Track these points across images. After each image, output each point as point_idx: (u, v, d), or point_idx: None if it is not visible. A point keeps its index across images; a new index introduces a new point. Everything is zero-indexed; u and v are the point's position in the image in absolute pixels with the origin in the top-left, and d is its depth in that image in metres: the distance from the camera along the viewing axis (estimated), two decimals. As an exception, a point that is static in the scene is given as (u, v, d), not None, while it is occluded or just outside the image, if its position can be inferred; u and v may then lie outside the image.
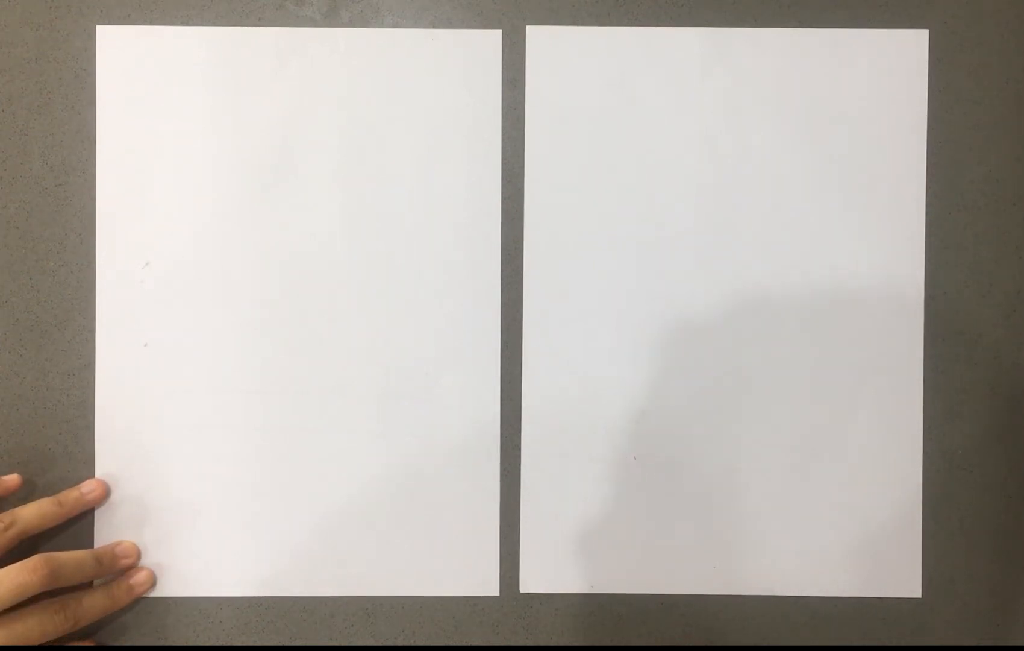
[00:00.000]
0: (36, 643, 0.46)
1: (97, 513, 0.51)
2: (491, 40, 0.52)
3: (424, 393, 0.51)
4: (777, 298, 0.52)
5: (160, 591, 0.51)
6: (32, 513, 0.48)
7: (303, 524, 0.51)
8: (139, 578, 0.50)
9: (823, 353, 0.52)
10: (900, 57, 0.52)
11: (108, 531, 0.51)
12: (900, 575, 0.52)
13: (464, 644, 0.52)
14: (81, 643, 0.50)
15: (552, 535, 0.51)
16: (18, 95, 0.51)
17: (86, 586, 0.49)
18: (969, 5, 0.52)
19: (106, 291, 0.51)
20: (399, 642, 0.51)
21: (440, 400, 0.51)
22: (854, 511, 0.52)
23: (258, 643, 0.51)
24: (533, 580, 0.52)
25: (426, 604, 0.52)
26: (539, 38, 0.52)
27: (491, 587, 0.52)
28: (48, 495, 0.50)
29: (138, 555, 0.51)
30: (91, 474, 0.51)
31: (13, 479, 0.50)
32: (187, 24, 0.51)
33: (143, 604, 0.51)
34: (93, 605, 0.49)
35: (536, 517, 0.51)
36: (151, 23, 0.51)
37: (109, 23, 0.51)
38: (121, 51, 0.51)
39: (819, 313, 0.52)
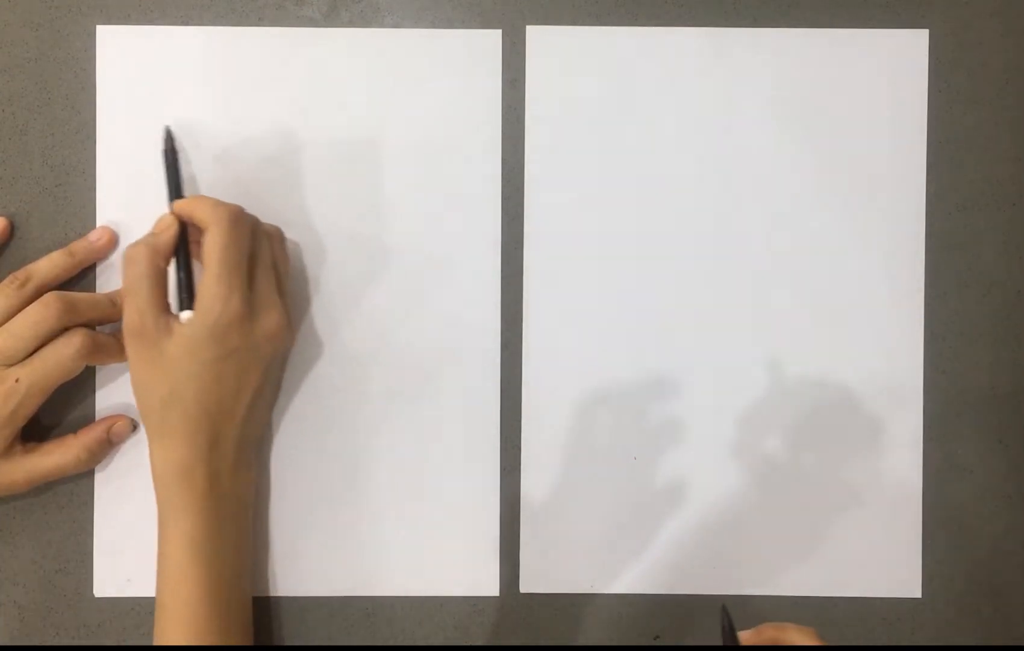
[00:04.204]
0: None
1: (97, 511, 0.51)
2: (491, 40, 0.52)
3: (424, 393, 0.51)
4: (777, 297, 0.52)
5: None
6: (45, 266, 0.49)
7: (302, 524, 0.51)
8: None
9: (823, 352, 0.52)
10: (900, 57, 0.52)
11: (108, 531, 0.51)
12: (900, 575, 0.52)
13: (464, 644, 0.52)
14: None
15: (552, 535, 0.51)
16: (18, 95, 0.51)
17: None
18: (969, 5, 0.52)
19: (107, 290, 0.51)
20: (399, 642, 0.51)
21: (440, 400, 0.51)
22: (854, 511, 0.52)
23: (258, 643, 0.51)
24: (533, 580, 0.52)
25: (426, 604, 0.52)
26: (539, 38, 0.52)
27: (491, 587, 0.52)
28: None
29: None
30: (92, 480, 0.51)
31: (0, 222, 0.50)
32: (187, 24, 0.51)
33: (143, 604, 0.51)
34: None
35: (536, 517, 0.51)
36: (151, 23, 0.51)
37: (109, 23, 0.51)
38: (121, 51, 0.51)
39: (819, 313, 0.52)
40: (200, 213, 0.47)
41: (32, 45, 0.51)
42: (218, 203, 0.47)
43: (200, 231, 0.47)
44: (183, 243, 0.48)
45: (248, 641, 0.48)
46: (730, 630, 0.41)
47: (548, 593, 0.52)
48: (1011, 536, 0.52)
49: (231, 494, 0.47)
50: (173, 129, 0.50)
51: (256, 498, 0.50)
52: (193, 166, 0.51)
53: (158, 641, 0.46)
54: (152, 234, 0.47)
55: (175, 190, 0.49)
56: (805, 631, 0.42)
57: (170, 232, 0.47)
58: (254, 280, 0.47)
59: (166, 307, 0.46)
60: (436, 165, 0.51)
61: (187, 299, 0.47)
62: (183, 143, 0.51)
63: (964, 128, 0.52)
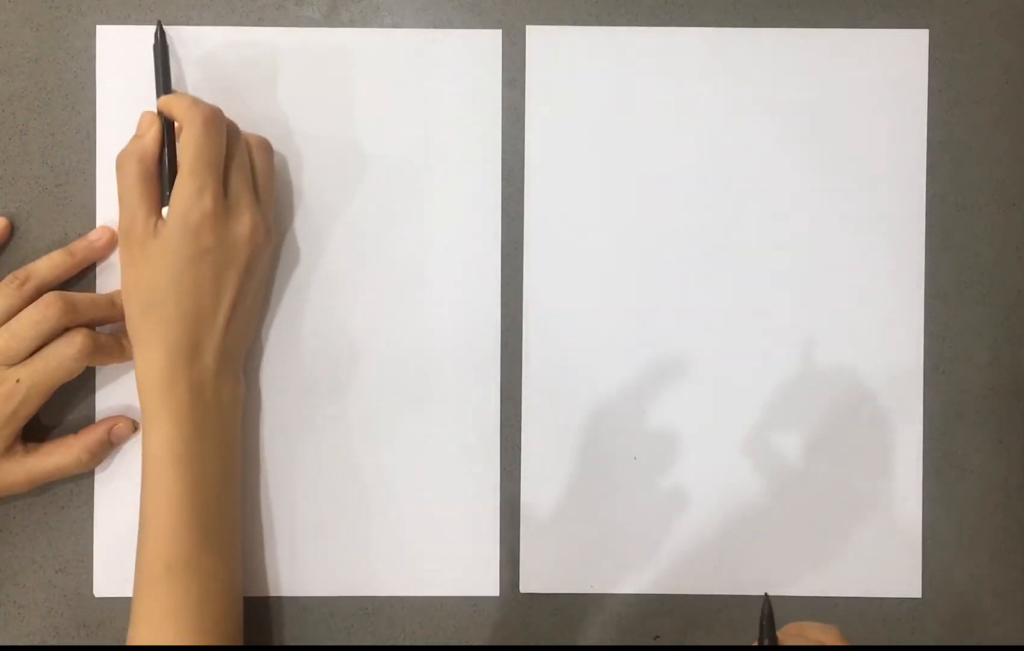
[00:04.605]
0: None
1: (97, 511, 0.51)
2: (491, 40, 0.52)
3: (424, 393, 0.51)
4: (776, 298, 0.52)
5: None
6: (45, 266, 0.49)
7: (302, 523, 0.51)
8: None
9: (823, 352, 0.52)
10: (900, 57, 0.52)
11: (108, 531, 0.51)
12: (900, 575, 0.52)
13: (464, 644, 0.52)
14: None
15: (552, 535, 0.51)
16: (18, 95, 0.51)
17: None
18: (969, 5, 0.52)
19: (107, 290, 0.51)
20: (399, 642, 0.51)
21: (440, 400, 0.51)
22: (854, 511, 0.52)
23: (258, 643, 0.51)
24: (533, 580, 0.52)
25: (426, 604, 0.52)
26: (539, 38, 0.52)
27: (491, 587, 0.52)
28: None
29: None
30: (92, 480, 0.51)
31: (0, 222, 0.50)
32: (187, 24, 0.51)
33: (143, 604, 0.51)
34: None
35: (536, 517, 0.51)
36: (151, 23, 0.51)
37: (109, 23, 0.51)
38: (121, 51, 0.51)
39: (819, 313, 0.52)
40: (178, 110, 0.47)
41: (32, 45, 0.51)
42: (195, 101, 0.47)
43: None
44: (169, 142, 0.48)
45: (235, 565, 0.48)
46: (769, 624, 0.40)
47: (548, 593, 0.52)
48: (1011, 536, 0.52)
49: (214, 405, 0.47)
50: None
51: (249, 482, 0.50)
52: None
53: (140, 556, 0.46)
54: (136, 136, 0.48)
55: (163, 87, 0.49)
56: (828, 629, 0.42)
57: (153, 131, 0.47)
58: (228, 181, 0.47)
59: (156, 210, 0.46)
60: (436, 165, 0.51)
61: (168, 197, 0.47)
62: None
63: (964, 128, 0.52)
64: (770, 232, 0.52)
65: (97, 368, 0.51)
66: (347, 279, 0.51)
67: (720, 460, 0.52)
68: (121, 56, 0.51)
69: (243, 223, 0.47)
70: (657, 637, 0.52)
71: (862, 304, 0.52)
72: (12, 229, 0.51)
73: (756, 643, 0.41)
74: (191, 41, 0.51)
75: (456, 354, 0.51)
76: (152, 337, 0.46)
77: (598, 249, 0.52)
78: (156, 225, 0.46)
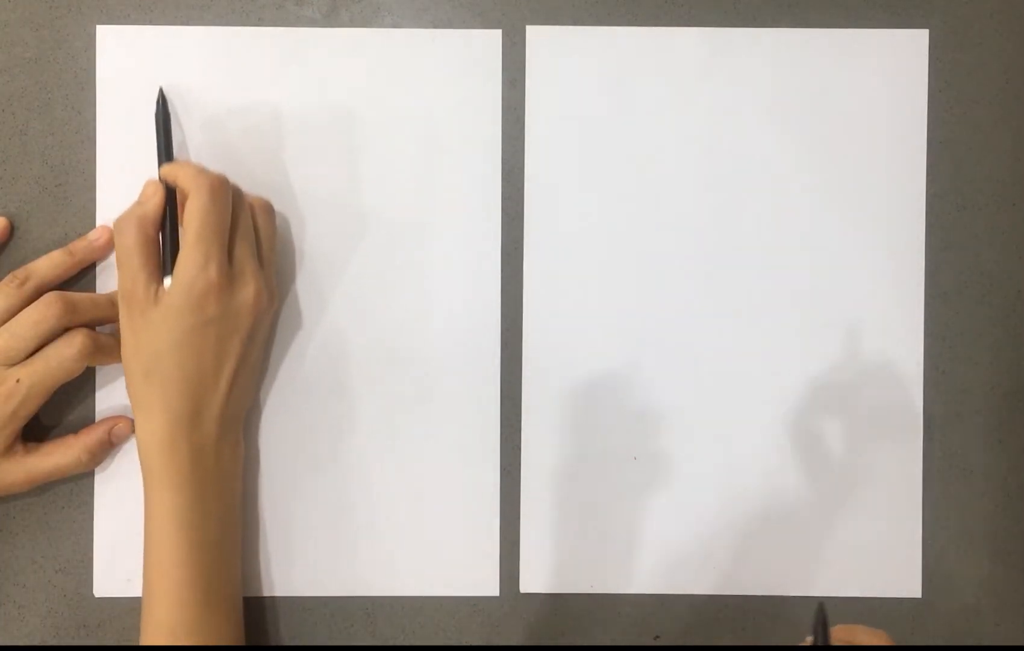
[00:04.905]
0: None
1: (97, 511, 0.51)
2: (491, 40, 0.52)
3: (424, 393, 0.51)
4: (776, 297, 0.52)
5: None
6: (45, 265, 0.49)
7: (302, 523, 0.51)
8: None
9: (823, 352, 0.52)
10: (900, 57, 0.52)
11: (108, 531, 0.51)
12: (900, 575, 0.52)
13: (464, 644, 0.52)
14: None
15: (552, 535, 0.51)
16: (18, 95, 0.51)
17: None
18: (969, 5, 0.52)
19: (106, 290, 0.51)
20: (399, 642, 0.51)
21: (440, 400, 0.51)
22: (854, 511, 0.52)
23: (258, 643, 0.51)
24: (533, 580, 0.52)
25: (426, 604, 0.52)
26: (539, 38, 0.52)
27: (491, 587, 0.52)
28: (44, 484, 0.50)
29: None
30: (92, 480, 0.51)
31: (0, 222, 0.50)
32: (187, 24, 0.51)
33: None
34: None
35: (536, 517, 0.51)
36: (151, 23, 0.51)
37: (109, 23, 0.51)
38: (121, 51, 0.51)
39: (819, 313, 0.52)
40: (183, 179, 0.47)
41: (32, 45, 0.51)
42: (200, 170, 0.46)
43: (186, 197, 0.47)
44: (171, 210, 0.47)
45: (238, 624, 0.48)
46: (823, 631, 0.40)
47: (548, 593, 0.52)
48: (1011, 536, 0.52)
49: (215, 469, 0.47)
50: (173, 129, 0.50)
51: (249, 482, 0.51)
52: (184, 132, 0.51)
53: (145, 622, 0.46)
54: (139, 202, 0.47)
55: (165, 154, 0.49)
56: (875, 633, 0.42)
57: (156, 199, 0.47)
58: (233, 249, 0.47)
59: (157, 275, 0.46)
60: (436, 165, 0.51)
61: (171, 266, 0.46)
62: (182, 143, 0.51)
63: (964, 128, 0.52)
64: (770, 232, 0.52)
65: (97, 368, 0.51)
66: (346, 278, 0.51)
67: (720, 460, 0.52)
68: (121, 56, 0.51)
69: (247, 292, 0.46)
70: (657, 637, 0.52)
71: (862, 304, 0.52)
72: (12, 229, 0.51)
73: (788, 644, 0.41)
74: (191, 41, 0.51)
75: (456, 354, 0.51)
76: (153, 402, 0.46)
77: (598, 249, 0.52)
78: (156, 291, 0.46)
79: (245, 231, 0.47)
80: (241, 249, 0.47)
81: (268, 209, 0.49)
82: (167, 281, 0.46)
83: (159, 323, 0.45)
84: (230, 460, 0.48)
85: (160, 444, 0.45)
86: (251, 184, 0.51)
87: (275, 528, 0.51)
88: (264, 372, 0.51)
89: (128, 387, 0.47)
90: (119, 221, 0.46)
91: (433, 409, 0.51)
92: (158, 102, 0.49)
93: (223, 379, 0.46)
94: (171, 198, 0.47)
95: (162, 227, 0.47)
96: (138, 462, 0.47)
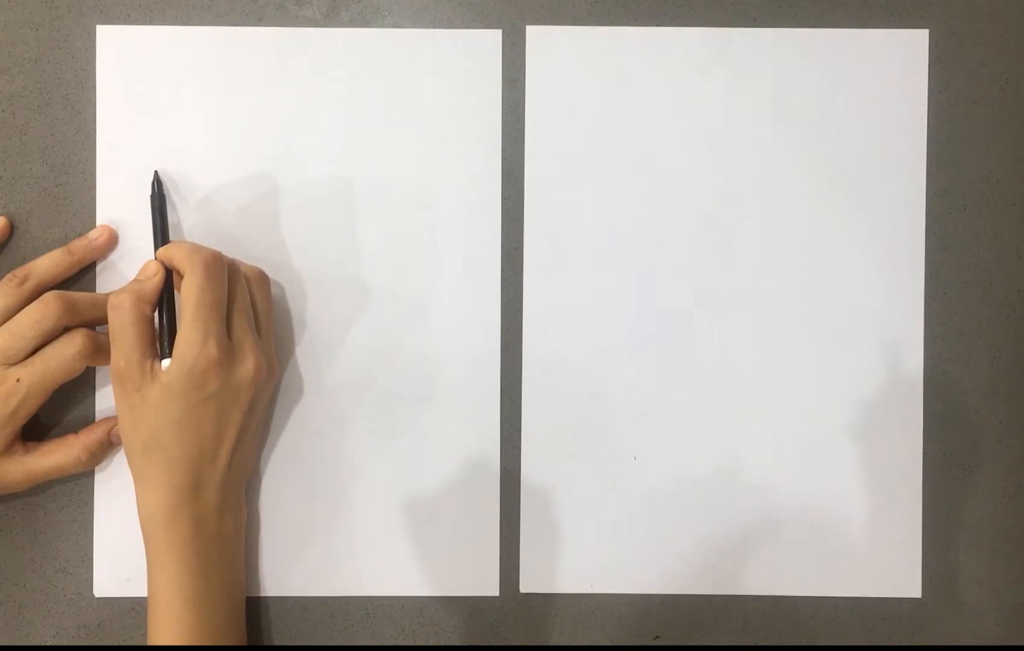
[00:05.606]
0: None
1: (97, 511, 0.51)
2: (491, 40, 0.52)
3: (424, 393, 0.51)
4: (777, 297, 0.52)
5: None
6: (44, 264, 0.49)
7: (302, 523, 0.51)
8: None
9: (823, 353, 0.52)
10: (900, 57, 0.52)
11: (108, 531, 0.51)
12: (900, 575, 0.52)
13: (464, 644, 0.52)
14: None
15: (552, 535, 0.51)
16: (18, 95, 0.51)
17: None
18: (969, 5, 0.52)
19: (106, 290, 0.51)
20: (399, 642, 0.51)
21: (440, 400, 0.51)
22: (854, 511, 0.52)
23: (258, 643, 0.51)
24: (533, 580, 0.52)
25: (426, 604, 0.52)
26: (539, 38, 0.52)
27: (491, 587, 0.52)
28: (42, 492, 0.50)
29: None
30: (92, 480, 0.51)
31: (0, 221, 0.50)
32: (187, 24, 0.51)
33: (143, 604, 0.51)
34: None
35: (536, 517, 0.51)
36: (151, 23, 0.51)
37: (109, 23, 0.51)
38: (121, 51, 0.51)
39: (819, 313, 0.52)
40: (178, 259, 0.47)
41: (32, 45, 0.51)
42: (195, 248, 0.46)
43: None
44: (168, 290, 0.47)
45: None
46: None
47: (548, 593, 0.52)
48: (1011, 536, 0.52)
49: (217, 538, 0.47)
50: (173, 129, 0.50)
51: (249, 482, 0.51)
52: (192, 167, 0.51)
53: None
54: (137, 280, 0.47)
55: (161, 236, 0.49)
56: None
57: (156, 279, 0.47)
58: (231, 324, 0.47)
59: (151, 353, 0.46)
60: (436, 165, 0.51)
61: (168, 346, 0.47)
62: (183, 143, 0.51)
63: (964, 128, 0.52)
64: (770, 231, 0.52)
65: (97, 368, 0.51)
66: (346, 278, 0.51)
67: (719, 460, 0.52)
68: (121, 56, 0.51)
69: (246, 366, 0.46)
70: (657, 637, 0.52)
71: (862, 304, 0.52)
72: (12, 229, 0.51)
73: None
74: (191, 41, 0.51)
75: (456, 354, 0.51)
76: (154, 476, 0.46)
77: (598, 249, 0.52)
78: (151, 368, 0.46)
79: (242, 304, 0.47)
80: (239, 323, 0.47)
81: (263, 280, 0.49)
82: (164, 363, 0.46)
83: (159, 401, 0.45)
84: (232, 526, 0.48)
85: (161, 516, 0.46)
86: (250, 184, 0.51)
87: (275, 528, 0.51)
88: (266, 437, 0.51)
89: (127, 458, 0.47)
90: (115, 296, 0.46)
91: (433, 409, 0.51)
92: (153, 185, 0.50)
93: (223, 451, 0.47)
94: (167, 279, 0.48)
95: (159, 307, 0.47)
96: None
